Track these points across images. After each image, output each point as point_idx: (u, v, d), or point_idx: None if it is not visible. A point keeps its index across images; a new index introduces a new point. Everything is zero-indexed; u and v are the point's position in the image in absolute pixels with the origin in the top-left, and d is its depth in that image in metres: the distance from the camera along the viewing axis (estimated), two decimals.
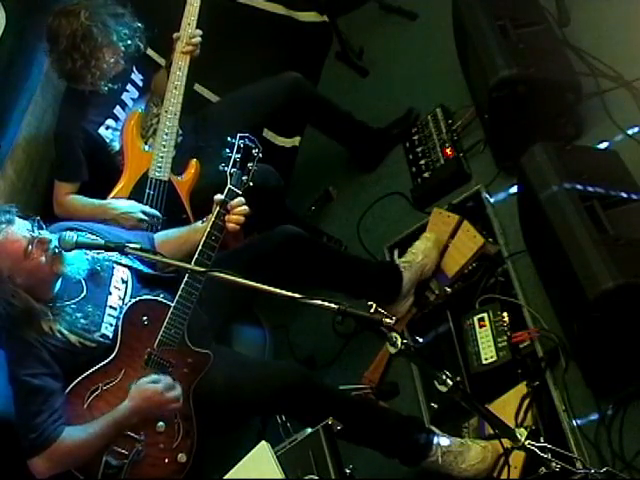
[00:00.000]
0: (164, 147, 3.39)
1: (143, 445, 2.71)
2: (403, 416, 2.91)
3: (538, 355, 2.88)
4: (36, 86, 3.72)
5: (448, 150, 3.62)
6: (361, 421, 2.84)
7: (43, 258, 2.69)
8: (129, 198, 3.37)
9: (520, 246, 3.14)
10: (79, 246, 2.58)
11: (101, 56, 3.32)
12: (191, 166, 3.44)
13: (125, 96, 3.49)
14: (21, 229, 2.71)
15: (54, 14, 3.34)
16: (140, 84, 3.54)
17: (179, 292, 2.79)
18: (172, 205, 3.39)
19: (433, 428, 2.87)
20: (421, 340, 3.24)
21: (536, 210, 2.76)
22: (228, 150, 2.88)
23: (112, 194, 3.38)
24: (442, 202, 3.51)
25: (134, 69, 3.51)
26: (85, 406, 2.70)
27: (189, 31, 3.43)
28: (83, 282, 2.80)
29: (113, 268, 2.87)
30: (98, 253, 2.82)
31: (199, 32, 3.44)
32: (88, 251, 2.78)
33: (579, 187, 2.70)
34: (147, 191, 3.36)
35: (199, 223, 2.93)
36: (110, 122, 3.45)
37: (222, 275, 2.30)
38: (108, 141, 3.45)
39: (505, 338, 2.95)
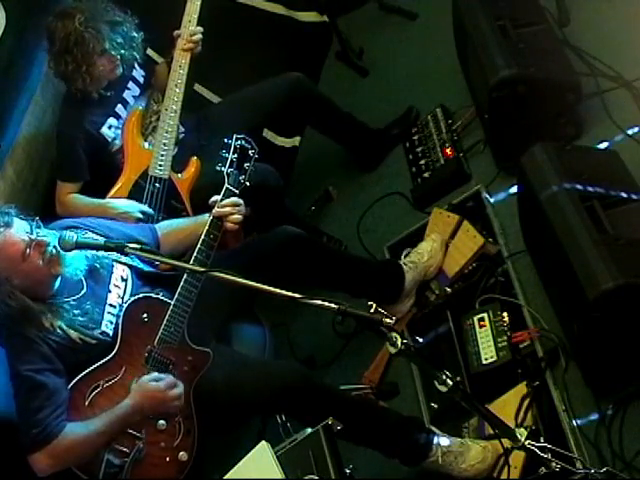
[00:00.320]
0: (164, 145, 3.39)
1: (144, 443, 2.71)
2: (403, 416, 2.91)
3: (538, 355, 2.88)
4: (36, 86, 3.72)
5: (448, 150, 3.61)
6: (361, 421, 2.84)
7: (41, 261, 2.69)
8: (129, 196, 3.37)
9: (520, 246, 3.14)
10: (79, 246, 2.58)
11: (93, 62, 3.31)
12: (191, 164, 3.44)
13: (127, 94, 3.49)
14: (19, 231, 2.70)
15: (53, 15, 3.35)
16: (141, 81, 3.53)
17: (178, 290, 2.79)
18: (172, 203, 3.39)
19: (433, 428, 2.87)
20: (421, 340, 3.23)
21: (536, 210, 2.76)
22: (224, 151, 2.90)
23: (112, 191, 3.39)
24: (442, 202, 3.50)
25: (136, 66, 3.50)
26: (86, 403, 2.69)
27: (190, 28, 3.43)
28: (83, 280, 2.80)
29: (113, 266, 2.87)
30: (98, 251, 2.82)
31: (200, 29, 3.43)
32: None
33: (579, 187, 2.69)
34: (147, 188, 3.37)
35: (206, 215, 2.93)
36: (112, 121, 3.44)
37: (222, 275, 2.30)
38: (110, 140, 3.44)
39: (505, 338, 2.95)
